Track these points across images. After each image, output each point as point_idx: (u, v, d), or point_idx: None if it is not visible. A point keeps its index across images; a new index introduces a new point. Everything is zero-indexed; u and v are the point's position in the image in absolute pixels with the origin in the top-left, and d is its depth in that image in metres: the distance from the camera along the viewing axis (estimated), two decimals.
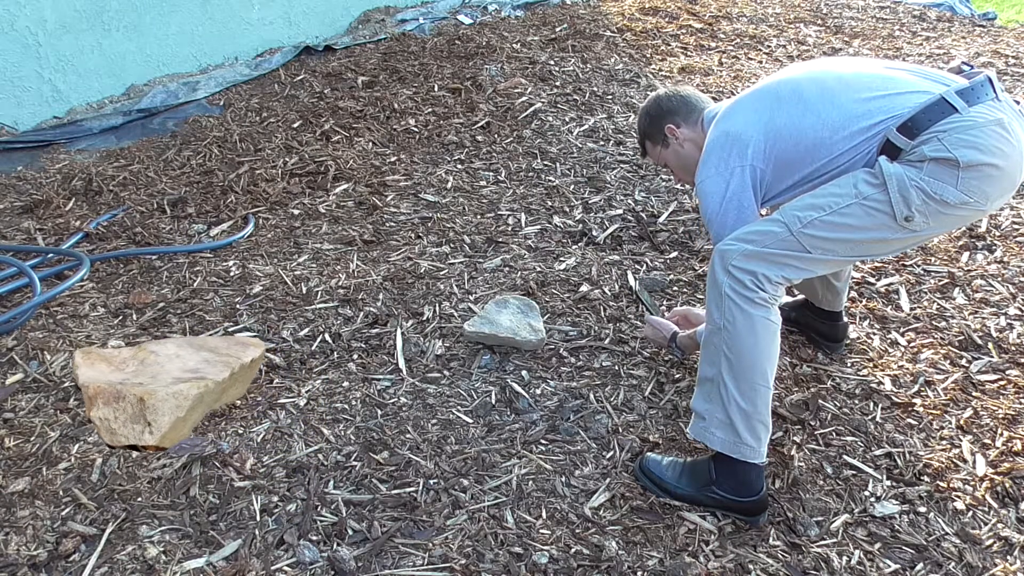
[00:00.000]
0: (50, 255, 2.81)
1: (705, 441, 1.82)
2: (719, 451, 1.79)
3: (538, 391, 2.21)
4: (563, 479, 1.93)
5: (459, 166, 3.45)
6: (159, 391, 1.98)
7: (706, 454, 1.90)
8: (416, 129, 3.73)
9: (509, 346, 2.34)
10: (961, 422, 2.09)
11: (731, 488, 1.80)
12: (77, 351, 2.18)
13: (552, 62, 4.45)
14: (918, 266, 2.73)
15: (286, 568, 1.70)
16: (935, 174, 1.63)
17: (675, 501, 1.86)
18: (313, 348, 2.37)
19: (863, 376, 2.25)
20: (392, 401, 2.18)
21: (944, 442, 2.04)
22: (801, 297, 2.38)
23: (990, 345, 2.36)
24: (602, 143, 3.59)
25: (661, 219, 3.03)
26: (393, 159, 3.50)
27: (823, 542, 1.77)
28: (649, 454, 1.95)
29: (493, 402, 2.17)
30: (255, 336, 2.41)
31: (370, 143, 3.62)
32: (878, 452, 2.01)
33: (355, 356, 2.34)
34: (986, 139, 1.61)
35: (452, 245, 2.89)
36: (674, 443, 2.03)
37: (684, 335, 2.18)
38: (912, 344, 2.38)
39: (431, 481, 1.92)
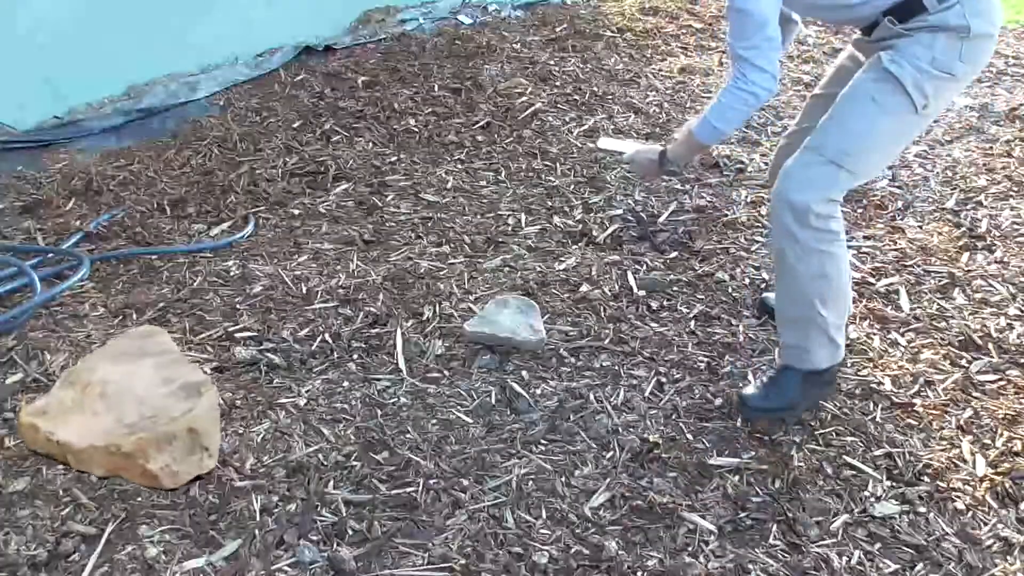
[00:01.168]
0: (50, 255, 2.81)
1: (808, 366, 2.00)
2: (824, 367, 2.00)
3: (538, 391, 2.21)
4: (563, 479, 1.93)
5: (459, 166, 3.45)
6: (202, 414, 1.92)
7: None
8: (416, 129, 3.73)
9: (509, 346, 2.34)
10: (961, 422, 2.09)
11: (815, 377, 2.03)
12: (24, 417, 1.96)
13: (552, 62, 4.45)
14: (918, 266, 2.74)
15: (286, 568, 1.70)
16: (944, 51, 1.69)
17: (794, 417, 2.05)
18: (313, 348, 2.37)
19: (863, 376, 2.25)
20: (392, 401, 2.18)
21: (944, 442, 2.04)
22: None
23: (990, 345, 2.36)
24: None
25: (661, 219, 3.03)
26: (393, 159, 3.50)
27: (823, 542, 1.77)
28: (745, 393, 2.09)
29: (493, 402, 2.17)
30: (252, 334, 2.41)
31: (370, 143, 3.62)
32: (878, 452, 2.01)
33: (355, 356, 2.34)
34: (992, 7, 1.70)
35: (452, 245, 2.89)
36: (674, 443, 2.03)
37: (672, 146, 2.13)
38: (912, 344, 2.38)
39: (431, 481, 1.92)
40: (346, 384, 2.24)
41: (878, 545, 1.77)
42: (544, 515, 1.83)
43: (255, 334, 2.42)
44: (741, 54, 1.82)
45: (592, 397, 2.18)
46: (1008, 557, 1.74)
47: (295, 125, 3.78)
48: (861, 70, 1.85)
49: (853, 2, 1.79)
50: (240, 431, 2.07)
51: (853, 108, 1.78)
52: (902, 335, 2.42)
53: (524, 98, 3.98)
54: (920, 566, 1.72)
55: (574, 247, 2.87)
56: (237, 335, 2.41)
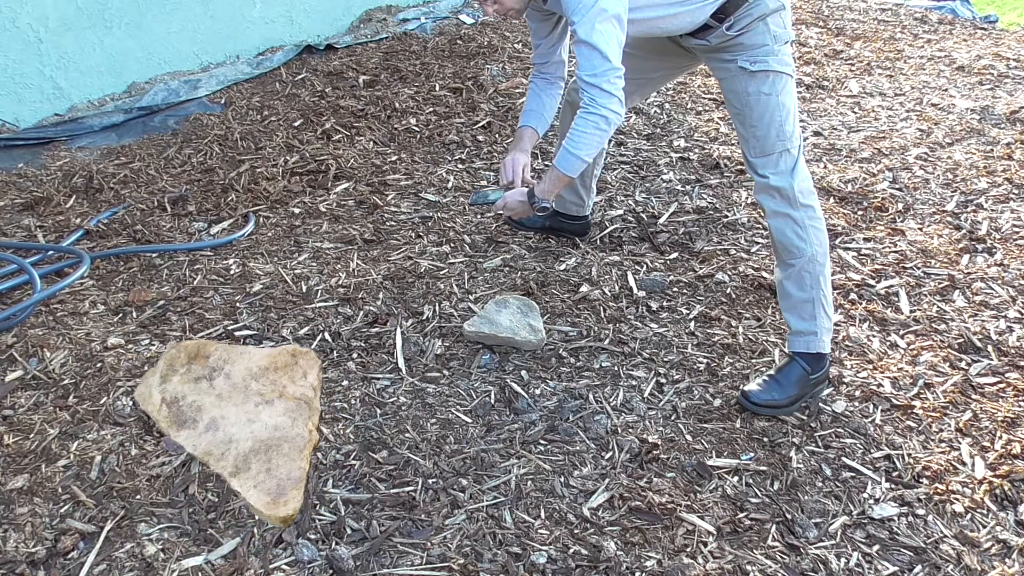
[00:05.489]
0: (50, 252, 2.81)
1: (815, 348, 2.09)
2: (827, 350, 2.11)
3: (537, 391, 2.21)
4: (562, 479, 1.93)
5: (460, 166, 3.45)
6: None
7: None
8: (417, 128, 3.73)
9: (509, 346, 2.34)
10: (960, 425, 2.09)
11: (817, 366, 2.11)
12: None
13: None
14: (918, 268, 2.74)
15: (284, 567, 1.70)
16: (776, 27, 1.98)
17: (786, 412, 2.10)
18: (313, 347, 2.37)
19: (862, 378, 2.25)
20: (391, 400, 2.18)
21: (943, 444, 2.04)
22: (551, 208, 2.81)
23: (989, 348, 2.36)
24: None
25: (661, 220, 3.03)
26: (394, 158, 3.50)
27: (821, 544, 1.77)
28: (747, 388, 2.12)
29: (492, 402, 2.17)
30: (252, 332, 2.41)
31: (371, 142, 3.62)
32: (877, 454, 2.01)
33: (355, 355, 2.34)
34: None
35: (452, 244, 2.89)
36: (673, 444, 2.03)
37: (539, 184, 2.16)
38: (912, 346, 2.38)
39: (430, 480, 1.92)
40: (345, 383, 2.24)
41: (876, 547, 1.77)
42: (543, 515, 1.84)
43: (255, 332, 2.42)
44: (589, 82, 1.93)
45: (591, 397, 2.18)
46: (1007, 560, 1.74)
47: (296, 124, 3.78)
48: (727, 83, 2.06)
49: (682, 10, 1.96)
50: None
51: (761, 112, 2.00)
52: (902, 337, 2.42)
53: (525, 98, 3.97)
54: (919, 568, 1.72)
55: (574, 247, 2.87)
56: (237, 333, 2.41)
